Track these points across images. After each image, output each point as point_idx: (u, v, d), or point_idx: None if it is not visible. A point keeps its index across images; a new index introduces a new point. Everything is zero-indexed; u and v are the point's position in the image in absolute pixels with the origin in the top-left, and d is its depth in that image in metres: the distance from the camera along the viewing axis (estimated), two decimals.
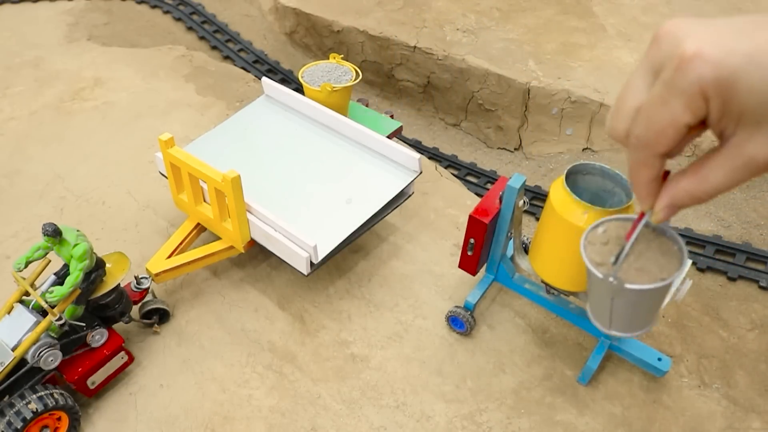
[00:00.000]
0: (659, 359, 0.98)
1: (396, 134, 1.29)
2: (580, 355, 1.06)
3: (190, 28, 2.52)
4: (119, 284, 0.96)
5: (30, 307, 0.91)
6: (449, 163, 2.17)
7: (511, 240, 1.01)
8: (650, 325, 0.68)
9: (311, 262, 1.02)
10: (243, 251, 1.10)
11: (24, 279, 0.93)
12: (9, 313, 0.91)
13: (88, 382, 0.94)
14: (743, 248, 1.80)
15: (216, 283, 1.18)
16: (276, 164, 1.20)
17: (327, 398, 1.00)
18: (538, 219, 1.63)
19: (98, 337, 0.94)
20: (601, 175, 0.88)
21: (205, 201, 1.11)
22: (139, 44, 2.28)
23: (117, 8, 2.45)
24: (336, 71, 1.29)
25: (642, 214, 0.58)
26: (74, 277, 0.87)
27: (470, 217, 0.95)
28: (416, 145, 2.24)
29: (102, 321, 0.96)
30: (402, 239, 1.27)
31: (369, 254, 1.23)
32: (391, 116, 1.33)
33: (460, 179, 2.03)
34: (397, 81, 2.42)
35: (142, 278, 1.04)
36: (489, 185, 2.06)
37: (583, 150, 2.17)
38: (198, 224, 1.14)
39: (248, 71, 2.17)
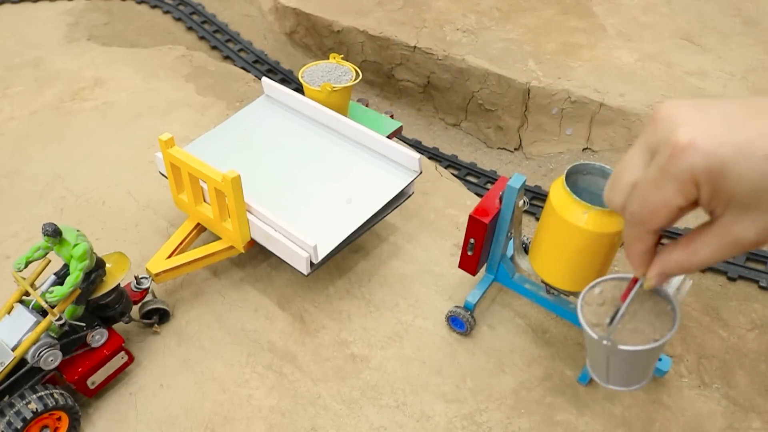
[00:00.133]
0: (659, 359, 0.98)
1: (396, 134, 1.29)
2: (580, 355, 1.06)
3: (190, 28, 2.52)
4: (119, 284, 0.96)
5: (30, 307, 0.91)
6: (449, 163, 2.17)
7: (511, 240, 1.01)
8: (647, 378, 0.72)
9: (311, 262, 1.02)
10: (243, 251, 1.10)
11: (24, 279, 0.93)
12: (9, 313, 0.91)
13: (88, 382, 0.94)
14: None
15: (216, 283, 1.18)
16: (276, 164, 1.20)
17: (327, 398, 1.00)
18: (538, 219, 1.63)
19: (98, 337, 0.94)
20: (601, 175, 0.88)
21: (205, 201, 1.11)
22: (139, 44, 2.28)
23: (117, 8, 2.45)
24: (336, 71, 1.29)
25: (636, 279, 0.63)
26: (74, 277, 0.87)
27: (470, 217, 0.95)
28: (416, 145, 2.24)
29: (102, 321, 0.96)
30: (402, 239, 1.27)
31: (369, 254, 1.23)
32: (391, 116, 1.33)
33: (460, 179, 2.03)
34: (397, 81, 2.42)
35: (142, 278, 1.04)
36: (489, 185, 2.05)
37: (583, 150, 2.17)
38: (198, 224, 1.14)
39: (248, 71, 2.17)
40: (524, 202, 0.95)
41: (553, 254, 0.89)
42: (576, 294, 0.95)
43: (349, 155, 1.20)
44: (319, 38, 2.52)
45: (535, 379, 1.03)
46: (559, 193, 0.85)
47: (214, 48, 2.45)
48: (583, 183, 0.89)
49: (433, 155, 2.18)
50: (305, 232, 1.02)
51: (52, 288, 0.88)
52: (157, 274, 1.06)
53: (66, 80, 1.77)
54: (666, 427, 0.97)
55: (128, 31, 2.37)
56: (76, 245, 0.88)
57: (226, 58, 2.40)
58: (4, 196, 1.38)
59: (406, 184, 1.14)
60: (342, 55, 1.34)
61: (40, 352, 0.87)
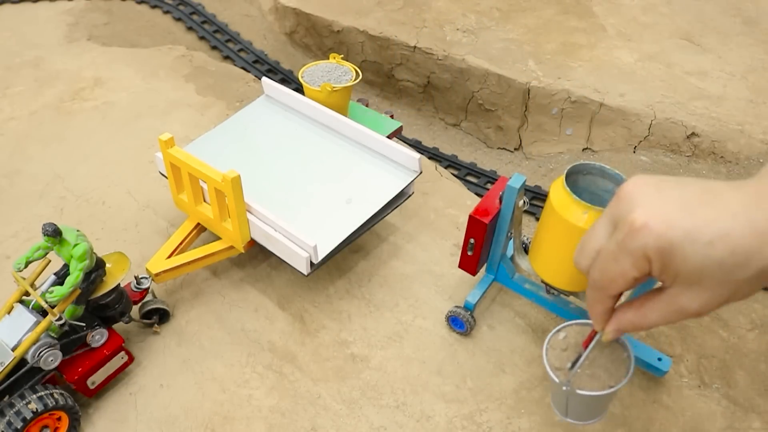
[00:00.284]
0: (659, 359, 0.98)
1: (396, 134, 1.29)
2: None
3: (190, 28, 2.52)
4: (119, 284, 0.96)
5: (30, 307, 0.91)
6: (449, 163, 2.17)
7: (511, 240, 1.01)
8: (603, 415, 0.80)
9: (311, 262, 1.02)
10: (243, 251, 1.10)
11: (24, 279, 0.93)
12: (9, 313, 0.91)
13: (88, 382, 0.94)
14: None
15: (216, 283, 1.18)
16: (276, 164, 1.20)
17: (327, 398, 1.00)
18: (538, 219, 1.63)
19: (98, 337, 0.94)
20: (601, 175, 0.88)
21: (205, 201, 1.11)
22: (139, 44, 2.28)
23: (117, 8, 2.45)
24: (336, 71, 1.29)
25: (595, 332, 0.71)
26: (74, 277, 0.87)
27: (470, 217, 0.95)
28: (416, 145, 2.24)
29: (102, 321, 0.96)
30: (402, 239, 1.27)
31: (369, 254, 1.23)
32: (391, 116, 1.33)
33: (460, 179, 2.03)
34: (397, 81, 2.43)
35: (142, 278, 1.04)
36: (489, 185, 2.06)
37: (583, 150, 2.17)
38: (198, 224, 1.14)
39: (248, 71, 2.17)
40: (524, 202, 0.95)
41: (553, 254, 0.90)
42: (576, 294, 0.95)
43: (349, 155, 1.20)
44: (319, 38, 2.52)
45: (536, 379, 1.03)
46: (559, 193, 0.85)
47: (214, 48, 2.45)
48: (583, 183, 0.89)
49: (433, 155, 2.18)
50: (305, 232, 1.02)
51: (52, 288, 0.88)
52: (157, 274, 1.06)
53: (66, 80, 1.77)
54: (666, 427, 0.97)
55: (128, 31, 2.37)
56: (76, 245, 0.88)
57: (226, 58, 2.40)
58: (4, 196, 1.38)
59: (406, 184, 1.14)
60: (342, 55, 1.34)
61: (40, 352, 0.87)
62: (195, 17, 2.55)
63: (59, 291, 0.87)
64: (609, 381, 0.74)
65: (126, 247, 1.22)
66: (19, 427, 0.84)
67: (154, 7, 2.54)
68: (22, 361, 0.87)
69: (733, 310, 1.23)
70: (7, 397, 0.87)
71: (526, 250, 1.06)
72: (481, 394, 1.00)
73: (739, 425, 0.98)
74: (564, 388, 0.74)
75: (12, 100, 1.69)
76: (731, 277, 0.54)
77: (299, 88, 1.32)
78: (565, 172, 0.86)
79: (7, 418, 0.84)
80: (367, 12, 2.43)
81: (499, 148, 2.30)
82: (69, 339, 0.91)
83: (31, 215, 1.33)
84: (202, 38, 2.47)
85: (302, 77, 1.27)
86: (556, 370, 0.77)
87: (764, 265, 0.53)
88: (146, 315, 1.07)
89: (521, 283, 1.05)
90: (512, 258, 1.03)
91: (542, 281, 0.97)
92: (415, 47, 2.28)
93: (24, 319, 0.89)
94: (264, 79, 1.35)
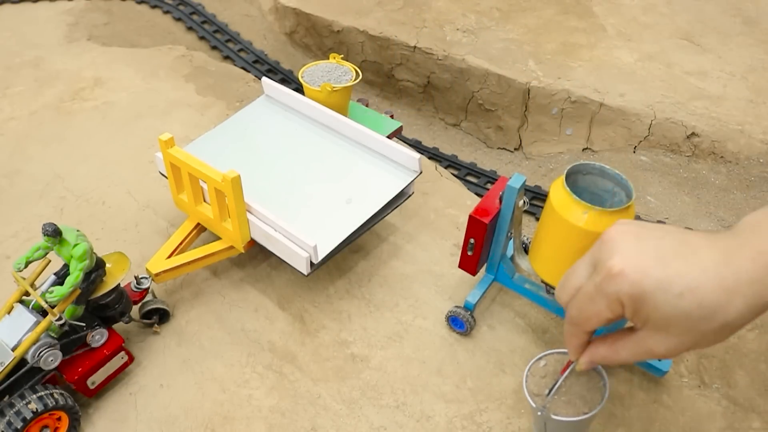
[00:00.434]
0: (659, 359, 0.98)
1: (396, 134, 1.29)
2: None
3: (190, 28, 2.52)
4: (119, 284, 0.96)
5: (30, 307, 0.91)
6: (449, 163, 2.17)
7: (511, 240, 1.01)
8: None
9: (311, 262, 1.02)
10: (243, 251, 1.10)
11: (24, 279, 0.93)
12: (9, 313, 0.91)
13: (88, 382, 0.94)
14: None
15: (216, 283, 1.18)
16: (276, 164, 1.20)
17: (327, 398, 1.00)
18: (538, 219, 1.63)
19: (98, 337, 0.94)
20: (601, 175, 0.88)
21: (205, 201, 1.11)
22: (139, 44, 2.28)
23: (117, 8, 2.45)
24: (336, 71, 1.29)
25: (570, 362, 0.75)
26: (74, 277, 0.87)
27: (470, 217, 0.95)
28: (416, 145, 2.24)
29: (102, 321, 0.96)
30: (402, 239, 1.27)
31: (369, 254, 1.23)
32: (391, 116, 1.33)
33: (460, 179, 2.03)
34: (397, 81, 2.43)
35: (142, 278, 1.04)
36: (489, 185, 2.06)
37: (583, 150, 2.17)
38: (198, 224, 1.14)
39: (248, 71, 2.17)
40: (524, 202, 0.95)
41: (553, 254, 0.89)
42: None
43: (349, 155, 1.20)
44: (319, 38, 2.52)
45: None
46: (559, 193, 0.85)
47: (214, 48, 2.45)
48: (583, 183, 0.89)
49: (433, 155, 2.18)
50: (305, 232, 1.02)
51: (52, 288, 0.88)
52: (157, 274, 1.06)
53: (66, 80, 1.77)
54: (666, 427, 0.97)
55: (128, 31, 2.37)
56: (76, 245, 0.88)
57: (226, 58, 2.40)
58: (4, 196, 1.38)
59: (406, 184, 1.14)
60: (342, 55, 1.34)
61: (40, 352, 0.87)
62: (195, 17, 2.55)
63: (59, 291, 0.87)
64: (583, 408, 0.79)
65: (126, 247, 1.22)
66: (19, 427, 0.84)
67: (154, 7, 2.54)
68: (22, 361, 0.87)
69: None
70: (7, 397, 0.87)
71: (526, 250, 1.06)
72: (481, 394, 1.00)
73: (739, 425, 0.98)
74: (539, 413, 0.79)
75: (12, 100, 1.69)
76: (697, 328, 0.58)
77: (299, 88, 1.32)
78: (565, 172, 0.86)
79: (7, 418, 0.84)
80: (367, 12, 2.43)
81: (499, 148, 2.30)
82: (69, 339, 0.91)
83: (31, 215, 1.33)
84: (202, 38, 2.47)
85: (302, 77, 1.27)
86: (535, 396, 0.81)
87: (728, 320, 0.57)
88: (146, 315, 1.07)
89: (521, 283, 1.05)
90: (512, 258, 1.03)
91: (542, 281, 0.97)
92: (415, 47, 2.28)
93: (24, 319, 0.89)
94: (264, 79, 1.35)
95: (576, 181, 0.88)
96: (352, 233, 1.07)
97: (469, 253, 1.00)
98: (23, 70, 1.83)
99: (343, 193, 1.13)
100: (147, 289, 1.05)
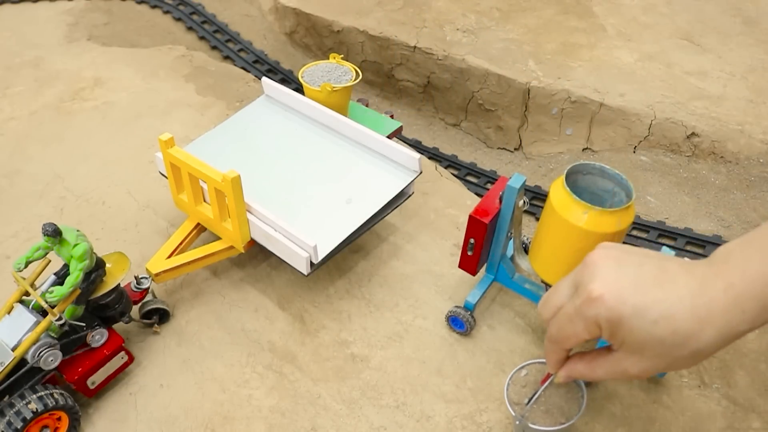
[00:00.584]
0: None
1: (396, 134, 1.29)
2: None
3: (190, 28, 2.52)
4: (119, 284, 0.96)
5: (30, 307, 0.91)
6: (449, 163, 2.17)
7: (511, 240, 1.01)
8: None
9: (311, 262, 1.02)
10: (243, 251, 1.10)
11: (24, 279, 0.93)
12: (9, 313, 0.91)
13: (88, 382, 0.94)
14: None
15: (216, 283, 1.18)
16: (276, 164, 1.20)
17: (327, 398, 1.00)
18: (538, 219, 1.63)
19: (98, 337, 0.94)
20: (601, 175, 0.88)
21: (205, 201, 1.11)
22: (139, 44, 2.28)
23: (117, 8, 2.45)
24: (336, 71, 1.29)
25: (549, 374, 0.79)
26: (74, 277, 0.87)
27: (470, 217, 0.95)
28: (416, 145, 2.24)
29: (102, 321, 0.96)
30: (402, 239, 1.26)
31: (369, 254, 1.23)
32: (391, 116, 1.33)
33: (460, 179, 2.03)
34: (397, 81, 2.43)
35: (142, 278, 1.04)
36: (489, 185, 2.06)
37: (583, 150, 2.17)
38: (198, 224, 1.14)
39: (248, 71, 2.17)
40: (524, 202, 0.95)
41: (553, 254, 0.90)
42: None
43: (349, 155, 1.20)
44: (319, 38, 2.52)
45: None
46: (559, 193, 0.85)
47: (214, 48, 2.45)
48: (583, 183, 0.89)
49: (433, 155, 2.18)
50: (305, 232, 1.02)
51: (52, 288, 0.88)
52: (157, 274, 1.06)
53: (66, 80, 1.77)
54: (666, 427, 0.97)
55: (128, 31, 2.37)
56: (76, 245, 0.88)
57: (226, 58, 2.40)
58: (4, 196, 1.38)
59: (406, 184, 1.14)
60: (342, 55, 1.34)
61: (40, 352, 0.87)
62: (195, 17, 2.55)
63: (59, 291, 0.87)
64: (561, 418, 0.82)
65: (126, 247, 1.22)
66: (19, 427, 0.84)
67: (154, 7, 2.54)
68: (22, 361, 0.87)
69: None
70: (7, 397, 0.87)
71: (526, 250, 1.06)
72: (481, 394, 1.00)
73: (739, 425, 0.98)
74: (517, 422, 0.82)
75: (12, 100, 1.69)
76: (670, 353, 0.61)
77: (299, 88, 1.32)
78: (565, 172, 0.86)
79: (7, 418, 0.84)
80: (367, 12, 2.43)
81: (499, 148, 2.30)
82: (69, 339, 0.91)
83: (31, 215, 1.33)
84: (202, 38, 2.47)
85: (302, 77, 1.27)
86: (515, 405, 0.84)
87: (700, 348, 0.60)
88: (146, 315, 1.07)
89: (521, 283, 1.05)
90: (512, 258, 1.03)
91: (542, 281, 0.97)
92: (415, 47, 2.28)
93: (24, 319, 0.89)
94: (264, 79, 1.35)
95: (576, 181, 0.88)
96: (352, 233, 1.07)
97: (469, 253, 1.00)
98: (23, 70, 1.83)
99: (343, 193, 1.13)
100: (147, 289, 1.05)
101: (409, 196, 1.20)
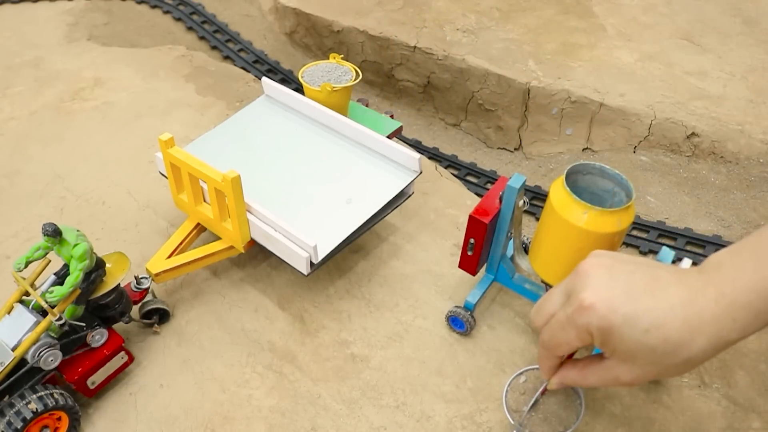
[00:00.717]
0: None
1: (396, 134, 1.29)
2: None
3: (190, 28, 2.52)
4: (119, 284, 0.96)
5: (30, 307, 0.91)
6: (449, 163, 2.17)
7: (511, 240, 1.01)
8: None
9: (311, 262, 1.02)
10: (243, 251, 1.10)
11: (24, 279, 0.93)
12: (9, 313, 0.91)
13: (88, 382, 0.94)
14: None
15: (216, 283, 1.18)
16: (276, 164, 1.20)
17: (327, 398, 1.00)
18: (538, 219, 1.63)
19: (98, 337, 0.94)
20: (601, 175, 0.88)
21: (205, 201, 1.11)
22: (139, 44, 2.28)
23: (117, 8, 2.45)
24: (336, 71, 1.29)
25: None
26: (74, 277, 0.87)
27: (470, 217, 0.95)
28: (416, 145, 2.24)
29: (102, 321, 0.96)
30: (402, 239, 1.27)
31: (369, 254, 1.23)
32: (391, 116, 1.33)
33: (460, 179, 2.04)
34: (397, 81, 2.43)
35: (142, 278, 1.04)
36: (489, 185, 2.06)
37: (583, 150, 2.17)
38: (198, 224, 1.14)
39: (248, 71, 2.17)
40: (524, 202, 0.95)
41: (553, 254, 0.90)
42: None
43: (349, 155, 1.20)
44: (319, 38, 2.52)
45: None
46: (559, 193, 0.85)
47: (214, 48, 2.45)
48: (583, 183, 0.89)
49: (433, 155, 2.18)
50: (305, 232, 1.02)
51: (52, 288, 0.88)
52: (157, 274, 1.06)
53: (66, 80, 1.77)
54: (666, 427, 0.97)
55: (128, 31, 2.37)
56: (76, 245, 0.88)
57: (226, 58, 2.40)
58: (4, 196, 1.38)
59: (406, 184, 1.14)
60: (342, 55, 1.34)
61: (40, 352, 0.87)
62: (195, 17, 2.55)
63: (59, 291, 0.87)
64: (558, 426, 0.82)
65: (126, 247, 1.22)
66: (19, 427, 0.84)
67: (154, 7, 2.54)
68: (22, 361, 0.87)
69: None
70: (7, 397, 0.87)
71: (526, 250, 1.06)
72: (481, 394, 1.00)
73: (739, 425, 0.98)
74: (515, 430, 0.82)
75: (12, 100, 1.69)
76: (661, 361, 0.61)
77: (299, 88, 1.32)
78: (565, 172, 0.86)
79: (7, 418, 0.84)
80: (367, 12, 2.43)
81: (499, 148, 2.30)
82: (69, 339, 0.91)
83: (31, 215, 1.33)
84: (202, 38, 2.47)
85: (302, 77, 1.27)
86: (513, 412, 0.85)
87: (690, 356, 0.60)
88: (146, 315, 1.07)
89: (521, 283, 1.05)
90: (512, 258, 1.03)
91: (542, 281, 0.97)
92: (415, 47, 2.28)
93: (24, 319, 0.89)
94: (264, 79, 1.35)
95: (576, 181, 0.88)
96: (352, 233, 1.07)
97: (469, 253, 1.00)
98: (23, 70, 1.83)
99: (343, 193, 1.13)
100: (147, 289, 1.05)
101: (409, 196, 1.20)
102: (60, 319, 0.88)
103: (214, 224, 1.09)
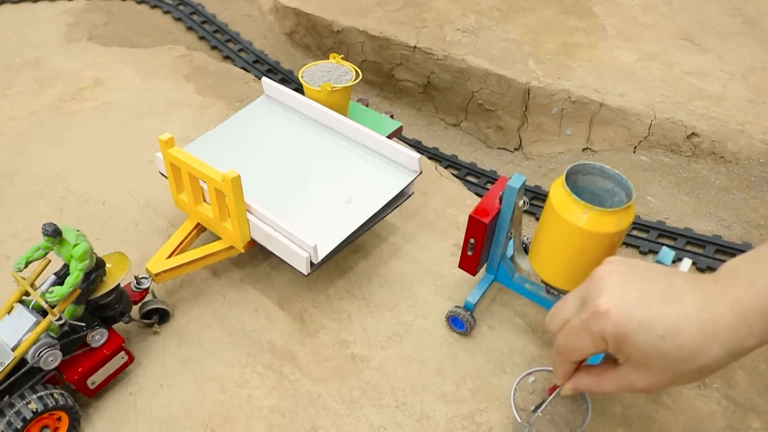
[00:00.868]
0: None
1: (396, 134, 1.29)
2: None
3: (190, 28, 2.52)
4: (119, 284, 0.96)
5: (30, 307, 0.91)
6: (449, 163, 2.17)
7: (511, 240, 1.01)
8: None
9: (311, 262, 1.02)
10: (243, 251, 1.10)
11: (24, 279, 0.93)
12: (9, 313, 0.91)
13: (88, 382, 0.94)
14: (743, 248, 1.80)
15: (216, 283, 1.18)
16: (276, 164, 1.20)
17: (327, 398, 1.00)
18: (538, 219, 1.63)
19: (98, 337, 0.94)
20: (601, 175, 0.88)
21: (205, 201, 1.11)
22: (139, 44, 2.28)
23: (117, 8, 2.45)
24: (336, 71, 1.29)
25: (556, 386, 0.79)
26: (74, 277, 0.87)
27: (470, 217, 0.95)
28: (416, 145, 2.24)
29: (102, 321, 0.96)
30: (402, 239, 1.27)
31: (369, 254, 1.23)
32: (391, 116, 1.33)
33: (460, 179, 2.04)
34: (397, 81, 2.43)
35: (142, 278, 1.04)
36: (489, 185, 2.06)
37: (583, 150, 2.17)
38: (198, 224, 1.14)
39: (248, 71, 2.17)
40: (524, 202, 0.95)
41: (553, 254, 0.90)
42: None
43: (349, 155, 1.20)
44: (319, 38, 2.52)
45: None
46: (559, 193, 0.85)
47: (214, 48, 2.45)
48: (583, 183, 0.89)
49: (433, 155, 2.18)
50: (305, 232, 1.02)
51: (52, 288, 0.88)
52: (157, 274, 1.06)
53: (66, 80, 1.77)
54: (666, 427, 0.97)
55: (128, 31, 2.37)
56: (76, 245, 0.88)
57: (226, 58, 2.40)
58: (4, 196, 1.38)
59: (406, 184, 1.14)
60: (342, 55, 1.34)
61: (40, 352, 0.87)
62: (195, 17, 2.55)
63: (59, 291, 0.87)
64: (565, 429, 0.83)
65: (126, 247, 1.22)
66: (19, 427, 0.84)
67: (154, 7, 2.54)
68: (22, 361, 0.87)
69: None
70: (7, 397, 0.87)
71: (526, 250, 1.06)
72: (481, 394, 1.00)
73: (739, 425, 0.98)
74: (525, 430, 0.83)
75: (12, 100, 1.69)
76: (676, 368, 0.61)
77: (299, 88, 1.32)
78: (565, 172, 0.86)
79: (7, 418, 0.84)
80: (367, 12, 2.43)
81: (499, 148, 2.30)
82: (69, 339, 0.91)
83: (31, 215, 1.33)
84: (202, 38, 2.47)
85: (302, 77, 1.27)
86: (521, 411, 0.85)
87: (706, 363, 0.60)
88: (146, 315, 1.07)
89: (521, 283, 1.05)
90: (512, 258, 1.03)
91: (542, 281, 0.97)
92: (415, 47, 2.28)
93: (24, 319, 0.89)
94: (264, 79, 1.35)
95: (576, 181, 0.88)
96: (352, 233, 1.07)
97: (469, 253, 1.00)
98: (23, 70, 1.83)
99: (343, 193, 1.13)
100: (147, 289, 1.05)
101: (409, 196, 1.20)
102: (60, 319, 0.88)
103: (214, 224, 1.09)
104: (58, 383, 0.94)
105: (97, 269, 0.92)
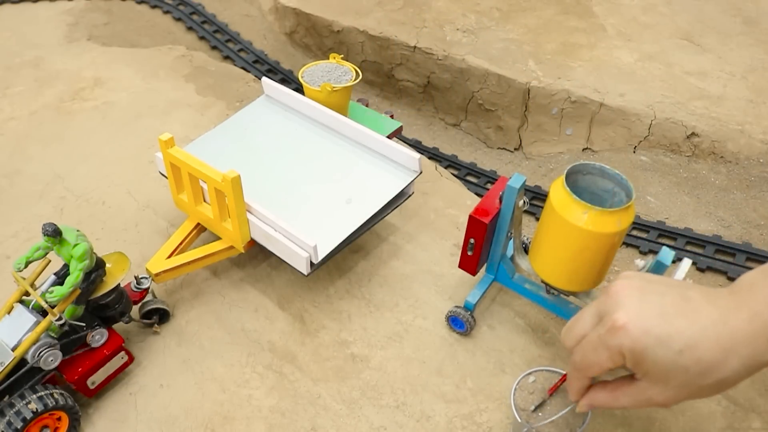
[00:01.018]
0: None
1: (396, 134, 1.29)
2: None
3: (190, 28, 2.52)
4: (119, 284, 0.96)
5: (30, 307, 0.91)
6: (449, 163, 2.17)
7: (511, 240, 1.01)
8: None
9: (311, 262, 1.02)
10: (243, 251, 1.10)
11: (24, 279, 0.93)
12: (9, 313, 0.91)
13: (88, 382, 0.94)
14: (743, 248, 1.80)
15: (216, 283, 1.18)
16: (276, 164, 1.20)
17: (327, 398, 1.00)
18: (538, 219, 1.63)
19: (98, 337, 0.94)
20: (601, 175, 0.88)
21: (205, 201, 1.11)
22: (139, 44, 2.28)
23: (117, 8, 2.45)
24: (336, 71, 1.29)
25: (561, 381, 0.81)
26: (74, 277, 0.87)
27: (470, 217, 0.95)
28: (416, 145, 2.24)
29: (102, 321, 0.96)
30: (402, 239, 1.27)
31: (369, 254, 1.23)
32: (391, 116, 1.33)
33: (460, 179, 2.04)
34: (397, 81, 2.43)
35: (142, 278, 1.04)
36: (489, 185, 2.06)
37: (583, 150, 2.18)
38: (198, 224, 1.14)
39: (248, 71, 2.17)
40: (524, 202, 0.95)
41: (553, 254, 0.90)
42: (576, 294, 0.95)
43: (349, 155, 1.20)
44: (319, 38, 2.52)
45: None
46: (559, 193, 0.85)
47: (214, 48, 2.45)
48: (583, 183, 0.89)
49: (433, 155, 2.19)
50: (305, 232, 1.02)
51: (52, 288, 0.88)
52: (157, 274, 1.06)
53: (66, 80, 1.77)
54: (666, 427, 0.97)
55: (128, 31, 2.38)
56: (76, 245, 0.88)
57: (226, 58, 2.40)
58: (4, 196, 1.38)
59: (406, 184, 1.14)
60: (342, 55, 1.34)
61: (40, 352, 0.87)
62: (195, 17, 2.55)
63: (59, 291, 0.87)
64: (565, 429, 0.83)
65: (126, 247, 1.22)
66: (19, 427, 0.84)
67: (154, 7, 2.54)
68: (22, 361, 0.87)
69: None
70: (7, 397, 0.87)
71: (526, 250, 1.06)
72: (481, 394, 1.00)
73: (739, 425, 0.98)
74: (524, 429, 0.83)
75: (12, 100, 1.69)
76: (695, 382, 0.61)
77: (299, 88, 1.32)
78: (565, 172, 0.85)
79: (7, 418, 0.84)
80: (367, 12, 2.43)
81: (499, 148, 2.30)
82: (69, 339, 0.91)
83: (31, 215, 1.33)
84: (202, 38, 2.47)
85: (302, 77, 1.27)
86: (521, 411, 0.85)
87: (724, 377, 0.61)
88: (146, 315, 1.07)
89: (521, 283, 1.05)
90: (512, 258, 1.03)
91: (542, 281, 0.97)
92: (415, 47, 2.28)
93: (24, 319, 0.89)
94: (264, 79, 1.35)
95: (576, 181, 0.88)
96: (352, 233, 1.07)
97: (469, 253, 1.00)
98: (23, 70, 1.83)
99: (343, 193, 1.13)
100: (147, 289, 1.05)
101: (409, 196, 1.20)
102: (60, 319, 0.88)
103: (214, 224, 1.09)
104: (58, 383, 0.94)
105: (97, 269, 0.92)
